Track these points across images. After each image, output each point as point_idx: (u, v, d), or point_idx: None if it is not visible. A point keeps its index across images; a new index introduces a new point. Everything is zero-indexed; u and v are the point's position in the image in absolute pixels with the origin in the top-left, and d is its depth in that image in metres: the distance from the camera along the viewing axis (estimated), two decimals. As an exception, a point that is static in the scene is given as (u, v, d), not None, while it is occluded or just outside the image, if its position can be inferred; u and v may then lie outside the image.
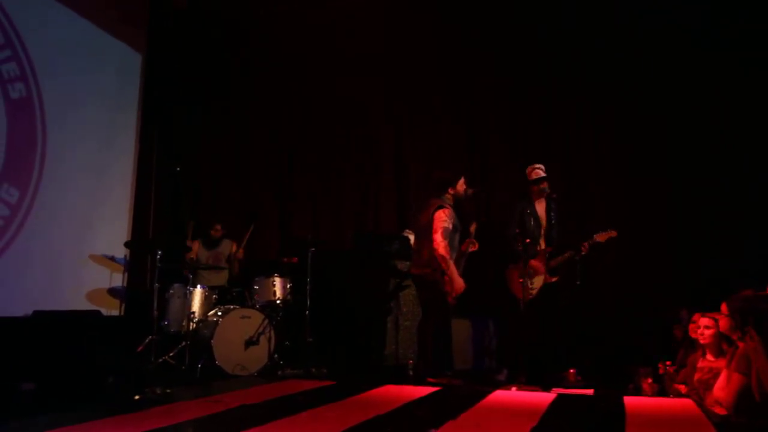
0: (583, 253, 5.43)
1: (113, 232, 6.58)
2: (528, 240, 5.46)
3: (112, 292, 6.43)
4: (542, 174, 5.66)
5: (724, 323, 3.57)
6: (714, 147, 6.08)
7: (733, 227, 5.85)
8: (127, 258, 6.46)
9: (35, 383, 4.52)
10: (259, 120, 7.57)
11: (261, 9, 7.34)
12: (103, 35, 6.67)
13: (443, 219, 5.18)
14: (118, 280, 6.45)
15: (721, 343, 3.86)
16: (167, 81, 7.43)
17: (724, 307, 3.55)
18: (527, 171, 5.74)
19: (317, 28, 7.26)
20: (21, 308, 5.19)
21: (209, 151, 7.62)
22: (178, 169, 6.94)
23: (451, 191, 5.40)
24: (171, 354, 5.57)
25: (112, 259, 6.34)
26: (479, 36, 6.91)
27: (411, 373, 5.45)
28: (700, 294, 4.61)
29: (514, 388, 4.82)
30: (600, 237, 5.39)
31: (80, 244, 6.22)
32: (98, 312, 5.82)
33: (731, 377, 3.42)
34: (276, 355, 5.62)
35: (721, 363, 3.77)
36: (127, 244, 6.42)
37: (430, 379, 5.06)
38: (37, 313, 5.11)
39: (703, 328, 4.03)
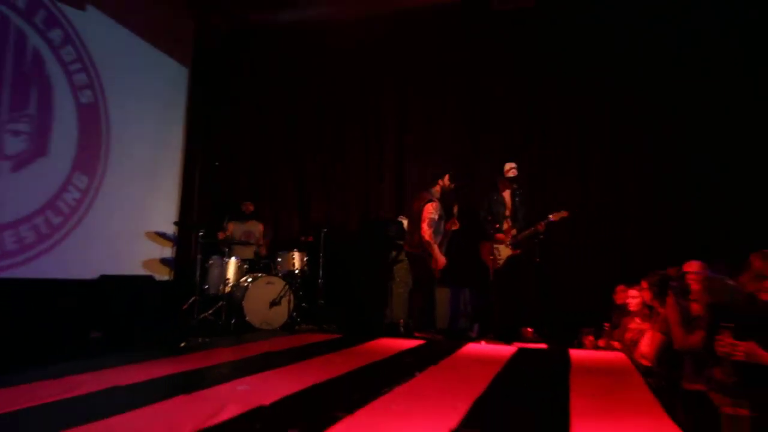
0: (540, 229, 5.40)
1: (164, 214, 6.63)
2: (497, 224, 5.55)
3: (163, 261, 6.51)
4: (516, 173, 5.67)
5: (646, 294, 3.59)
6: (647, 142, 6.05)
7: (660, 216, 5.88)
8: (175, 234, 6.54)
9: (102, 332, 4.66)
10: (282, 124, 7.53)
11: (284, 30, 7.33)
12: (157, 52, 6.68)
13: (430, 211, 5.30)
14: (167, 252, 6.55)
15: (644, 310, 3.91)
16: (209, 90, 7.43)
17: (643, 283, 3.62)
18: (505, 168, 5.67)
19: (335, 50, 7.20)
20: (90, 273, 5.27)
21: (242, 150, 7.59)
22: (217, 163, 7.06)
23: (439, 183, 5.53)
24: (210, 312, 5.68)
25: (163, 235, 6.44)
26: (465, 64, 6.84)
27: (402, 329, 5.56)
28: (633, 269, 4.60)
29: (483, 342, 4.91)
30: (554, 216, 5.35)
31: (137, 222, 6.27)
32: (152, 277, 5.94)
33: (654, 336, 3.50)
34: (294, 314, 5.71)
35: (646, 325, 3.84)
36: (175, 223, 6.54)
37: (417, 334, 5.19)
38: (102, 276, 5.24)
39: (630, 297, 4.09)
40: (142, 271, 6.16)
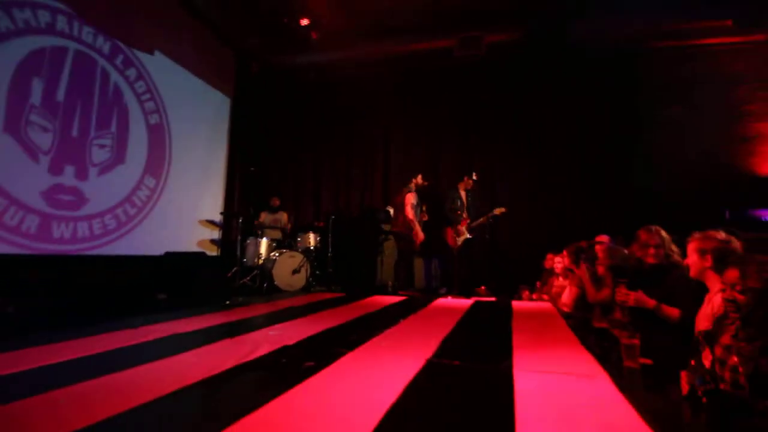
0: (488, 220, 5.47)
1: (213, 206, 6.53)
2: (459, 211, 5.59)
3: (212, 242, 6.41)
4: (476, 179, 5.69)
5: (566, 260, 3.61)
6: (572, 153, 6.06)
7: (576, 206, 5.91)
8: (221, 222, 6.45)
9: (167, 294, 4.62)
10: (302, 140, 7.44)
11: (302, 69, 7.22)
12: (205, 86, 6.57)
13: (411, 199, 5.29)
14: (215, 235, 6.44)
15: (566, 271, 3.92)
16: (246, 114, 7.31)
17: (564, 252, 3.63)
18: (466, 179, 5.68)
19: (338, 84, 7.15)
20: (158, 251, 5.22)
21: (273, 158, 7.51)
22: (252, 169, 6.95)
23: (413, 181, 5.50)
24: (248, 278, 5.60)
25: (212, 222, 6.33)
26: (432, 99, 6.85)
27: (390, 289, 5.55)
28: (557, 242, 4.63)
29: (449, 297, 4.93)
30: (497, 211, 5.42)
31: (192, 213, 6.16)
32: (204, 253, 5.88)
33: (571, 291, 3.54)
34: (310, 279, 5.67)
35: (566, 283, 3.85)
36: (221, 213, 6.43)
37: (401, 292, 5.20)
38: (167, 253, 5.18)
39: (556, 262, 4.12)
40: (196, 249, 6.08)
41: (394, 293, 5.22)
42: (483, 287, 5.37)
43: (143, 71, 5.51)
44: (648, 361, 1.88)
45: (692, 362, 1.58)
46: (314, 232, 6.01)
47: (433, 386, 1.75)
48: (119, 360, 2.05)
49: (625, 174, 5.67)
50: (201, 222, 6.27)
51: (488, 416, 1.44)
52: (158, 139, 5.71)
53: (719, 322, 1.54)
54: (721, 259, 1.52)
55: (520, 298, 4.81)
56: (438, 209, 5.81)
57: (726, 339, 1.47)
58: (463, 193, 5.70)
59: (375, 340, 2.54)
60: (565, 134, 6.12)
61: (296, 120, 7.46)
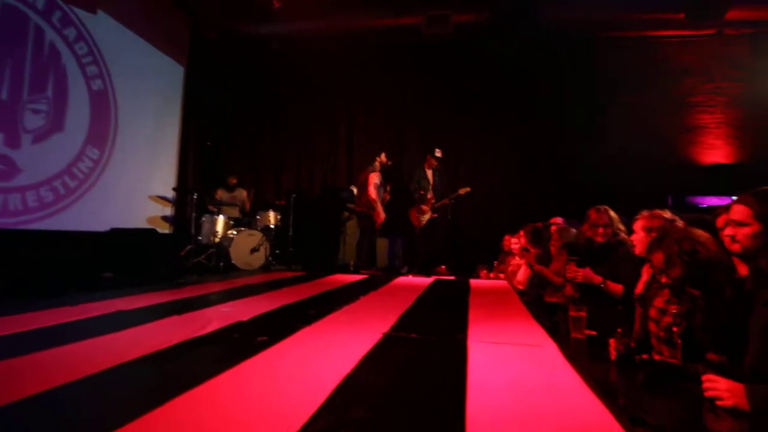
0: (452, 200, 5.54)
1: (165, 181, 6.20)
2: (422, 191, 5.62)
3: (164, 218, 6.11)
4: (440, 156, 5.68)
5: (522, 240, 3.72)
6: (527, 140, 6.22)
7: (533, 190, 6.09)
8: (174, 198, 6.15)
9: (113, 273, 4.39)
10: (262, 115, 7.16)
11: (264, 39, 6.88)
12: (156, 52, 6.13)
13: (374, 179, 5.27)
14: (168, 211, 6.14)
15: (522, 251, 4.02)
16: (202, 85, 6.92)
17: (521, 232, 3.74)
18: (435, 151, 5.65)
19: (304, 56, 6.92)
20: (103, 227, 4.89)
21: (232, 132, 7.16)
22: (209, 143, 6.65)
23: (377, 160, 5.46)
24: (203, 257, 5.42)
25: (164, 198, 6.02)
26: (401, 78, 6.79)
27: (352, 268, 5.54)
28: (514, 224, 4.75)
29: (410, 276, 4.99)
30: (462, 191, 5.49)
31: (142, 188, 5.82)
32: (154, 230, 5.59)
33: (525, 269, 3.64)
34: (270, 258, 5.56)
35: (522, 261, 3.92)
36: (174, 189, 6.13)
37: (363, 271, 5.22)
38: (113, 229, 4.89)
39: (513, 243, 4.22)
40: (146, 226, 5.77)
41: (356, 272, 5.21)
42: (443, 267, 5.47)
43: (84, 31, 5.07)
44: (593, 333, 1.98)
45: (619, 330, 1.68)
46: (275, 211, 5.86)
47: (389, 357, 1.76)
48: (54, 337, 1.91)
49: (580, 157, 5.90)
50: (152, 197, 5.96)
51: (442, 383, 1.46)
52: (102, 106, 5.32)
53: (650, 286, 1.65)
54: (657, 239, 1.60)
55: (478, 277, 4.93)
56: (403, 189, 5.83)
57: (659, 302, 1.58)
58: (429, 173, 5.72)
59: (333, 315, 2.52)
60: (525, 116, 6.27)
61: (256, 93, 7.17)
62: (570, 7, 5.95)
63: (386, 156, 5.48)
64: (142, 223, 5.70)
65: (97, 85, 5.25)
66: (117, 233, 4.86)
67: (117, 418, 1.09)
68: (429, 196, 5.65)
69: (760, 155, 5.92)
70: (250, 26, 6.68)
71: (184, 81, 6.74)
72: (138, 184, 5.79)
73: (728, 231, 1.38)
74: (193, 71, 6.83)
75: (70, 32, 4.91)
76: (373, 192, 5.18)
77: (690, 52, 6.32)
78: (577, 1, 5.86)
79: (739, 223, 1.35)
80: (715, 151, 6.21)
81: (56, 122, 4.73)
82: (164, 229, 6.05)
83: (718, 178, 5.79)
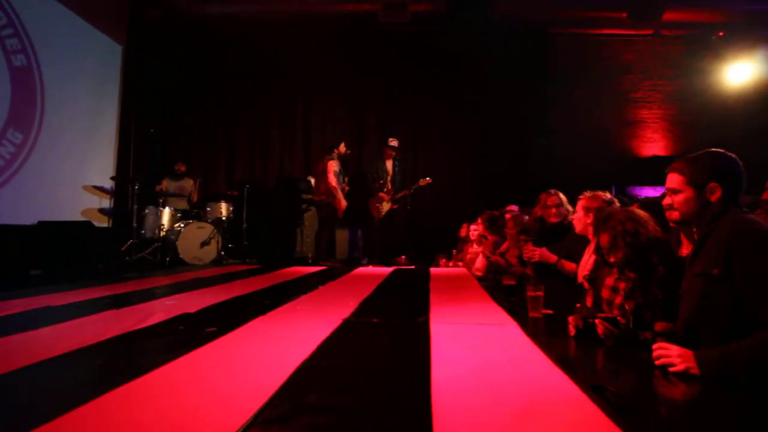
0: (412, 191, 5.57)
1: (101, 170, 5.73)
2: (381, 180, 5.58)
3: (102, 211, 5.66)
4: (396, 144, 5.68)
5: (480, 228, 3.79)
6: (481, 134, 6.36)
7: (487, 181, 6.21)
8: (113, 188, 5.69)
9: (41, 270, 4.01)
10: (211, 100, 6.76)
11: (212, 19, 6.49)
12: (90, 28, 5.64)
13: (333, 167, 5.16)
14: (105, 203, 5.68)
15: (479, 239, 4.07)
16: (144, 66, 6.45)
17: (479, 219, 3.80)
18: (389, 141, 5.67)
19: (256, 40, 6.65)
20: (29, 220, 4.42)
21: (178, 120, 6.71)
22: (152, 130, 6.19)
23: (336, 151, 5.35)
24: (147, 251, 5.11)
25: (101, 188, 5.58)
26: (355, 61, 6.71)
27: (310, 260, 5.41)
28: (471, 213, 4.71)
29: (370, 267, 4.95)
30: (422, 181, 5.54)
31: (75, 176, 5.35)
32: (90, 222, 5.12)
33: (482, 257, 3.70)
34: (222, 252, 5.30)
35: (479, 249, 3.98)
36: (112, 178, 5.65)
37: (322, 263, 5.11)
38: (41, 222, 4.42)
39: (471, 231, 4.27)
40: (80, 219, 5.28)
41: (315, 264, 5.09)
42: (403, 257, 5.49)
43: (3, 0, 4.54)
44: (549, 312, 2.02)
45: (577, 305, 1.72)
46: (226, 202, 5.60)
47: (350, 342, 1.70)
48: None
49: (533, 149, 6.13)
50: (86, 188, 5.51)
51: (406, 362, 1.43)
52: (25, 84, 4.81)
53: (599, 267, 1.70)
54: (602, 220, 1.66)
55: (437, 266, 4.98)
56: (363, 178, 5.77)
57: (610, 281, 1.63)
58: (389, 163, 5.69)
59: (289, 305, 2.42)
60: (481, 107, 6.40)
61: (206, 78, 6.77)
62: (522, 2, 6.16)
63: (345, 146, 5.37)
64: (75, 216, 5.23)
65: (18, 60, 4.74)
66: (46, 226, 4.41)
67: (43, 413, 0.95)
68: (388, 187, 5.61)
69: (691, 148, 6.41)
70: (198, 5, 6.31)
71: (123, 62, 6.28)
72: (70, 172, 5.31)
73: (666, 200, 1.43)
74: (133, 52, 6.37)
75: (-15, -1, 4.40)
76: (333, 179, 5.07)
77: (631, 50, 6.76)
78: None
79: (674, 191, 1.40)
80: (653, 144, 6.69)
81: (-32, 101, 4.22)
82: (102, 222, 5.61)
83: (655, 170, 6.20)
